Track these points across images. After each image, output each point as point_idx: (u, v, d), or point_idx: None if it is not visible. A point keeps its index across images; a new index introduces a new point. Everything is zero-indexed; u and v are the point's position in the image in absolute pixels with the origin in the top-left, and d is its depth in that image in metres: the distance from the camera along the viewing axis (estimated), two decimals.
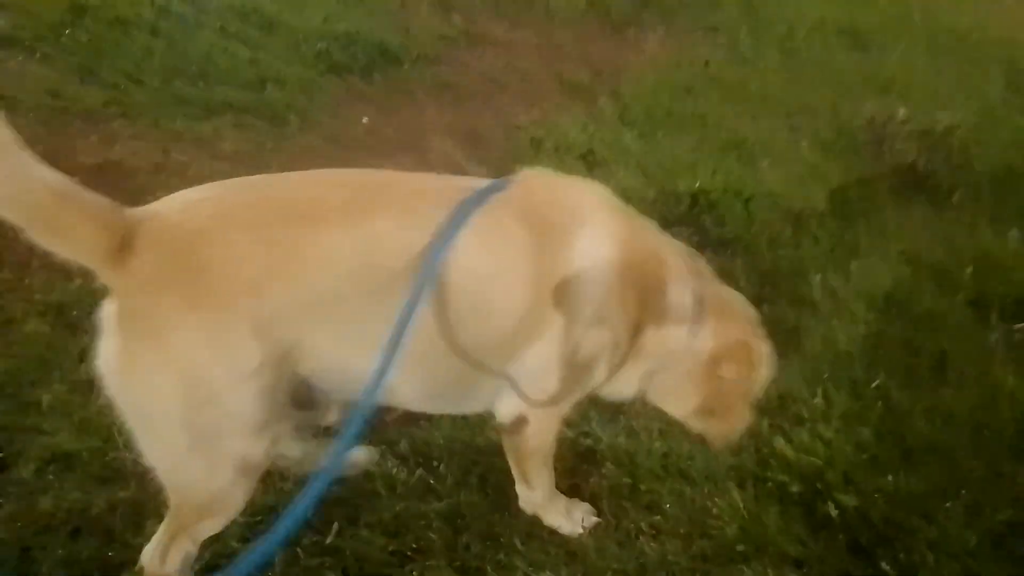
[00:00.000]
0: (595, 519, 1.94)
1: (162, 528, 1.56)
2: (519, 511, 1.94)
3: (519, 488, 1.90)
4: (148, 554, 1.58)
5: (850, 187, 3.58)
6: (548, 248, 1.53)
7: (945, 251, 3.17)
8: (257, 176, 1.52)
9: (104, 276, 1.34)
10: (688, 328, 1.70)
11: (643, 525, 1.95)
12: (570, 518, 1.92)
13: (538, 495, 1.88)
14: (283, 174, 1.55)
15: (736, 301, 1.84)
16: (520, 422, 1.71)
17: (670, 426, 2.14)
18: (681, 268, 1.71)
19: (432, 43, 4.99)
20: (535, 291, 1.52)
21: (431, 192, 1.54)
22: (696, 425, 1.90)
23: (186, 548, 1.56)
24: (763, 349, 1.79)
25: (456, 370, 1.55)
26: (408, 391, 1.59)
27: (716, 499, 2.00)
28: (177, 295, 1.32)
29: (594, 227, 1.59)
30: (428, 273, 1.37)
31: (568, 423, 2.13)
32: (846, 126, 4.12)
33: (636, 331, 1.66)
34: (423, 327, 1.40)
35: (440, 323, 1.45)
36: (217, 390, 1.37)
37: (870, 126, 3.95)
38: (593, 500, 2.01)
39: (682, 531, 1.93)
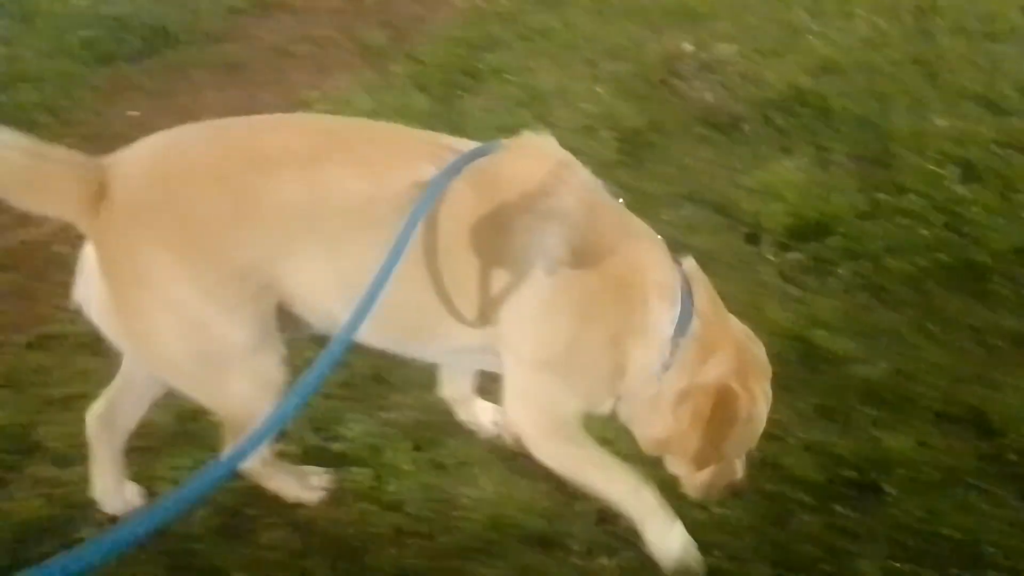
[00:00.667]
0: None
1: (226, 439, 1.63)
2: None
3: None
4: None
5: (642, 131, 3.53)
6: (503, 227, 1.44)
7: (728, 186, 3.17)
8: (222, 121, 1.54)
9: (82, 225, 1.39)
10: (664, 351, 1.52)
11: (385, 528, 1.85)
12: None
13: (618, 489, 1.62)
14: (246, 119, 1.60)
15: (739, 334, 1.62)
16: (517, 432, 1.69)
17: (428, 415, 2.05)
18: (670, 285, 1.53)
19: (217, 18, 4.63)
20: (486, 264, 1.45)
21: (390, 144, 1.55)
22: (669, 465, 1.68)
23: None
24: (752, 399, 1.54)
25: (417, 315, 1.54)
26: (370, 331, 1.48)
27: (464, 488, 1.91)
28: (156, 240, 1.37)
29: (561, 218, 1.46)
30: (415, 217, 1.32)
31: (318, 426, 2.01)
32: (642, 67, 4.06)
33: (613, 341, 1.51)
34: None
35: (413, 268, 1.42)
36: (209, 324, 1.44)
37: (662, 64, 3.90)
38: (339, 504, 1.89)
39: (424, 530, 1.84)
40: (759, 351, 1.63)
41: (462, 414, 2.01)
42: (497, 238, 1.44)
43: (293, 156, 1.43)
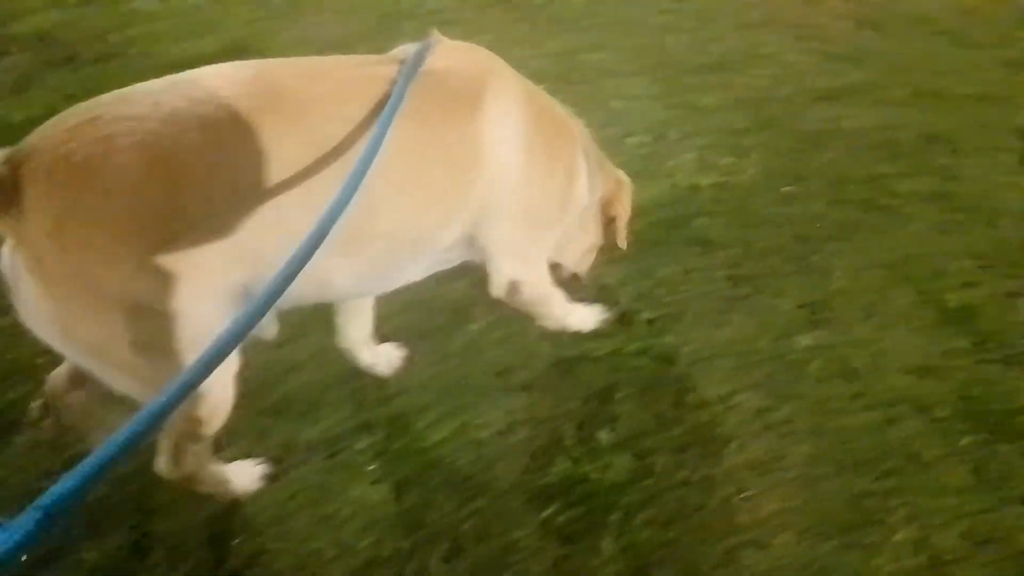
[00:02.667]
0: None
1: (164, 441, 1.57)
2: None
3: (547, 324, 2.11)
4: (162, 465, 1.60)
5: None
6: (458, 128, 1.55)
7: None
8: (132, 88, 1.33)
9: (8, 225, 1.22)
10: (590, 183, 1.91)
11: None
12: (590, 312, 2.25)
13: (559, 315, 2.08)
14: (161, 80, 1.36)
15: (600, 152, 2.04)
16: (513, 287, 1.83)
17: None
18: (576, 130, 1.87)
19: None
20: (451, 163, 1.56)
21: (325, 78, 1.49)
22: (579, 266, 2.18)
23: (194, 449, 1.59)
24: (627, 181, 2.07)
25: (387, 250, 1.56)
26: (341, 278, 1.56)
27: None
28: (87, 233, 1.21)
29: (498, 98, 1.61)
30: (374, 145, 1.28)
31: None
32: None
33: (566, 180, 1.81)
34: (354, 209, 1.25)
35: (373, 203, 1.40)
36: (159, 314, 1.29)
37: None
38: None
39: None
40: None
41: (365, 358, 2.13)
42: (461, 128, 1.56)
43: (227, 114, 1.31)
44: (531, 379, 2.16)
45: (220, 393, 1.47)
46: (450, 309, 2.34)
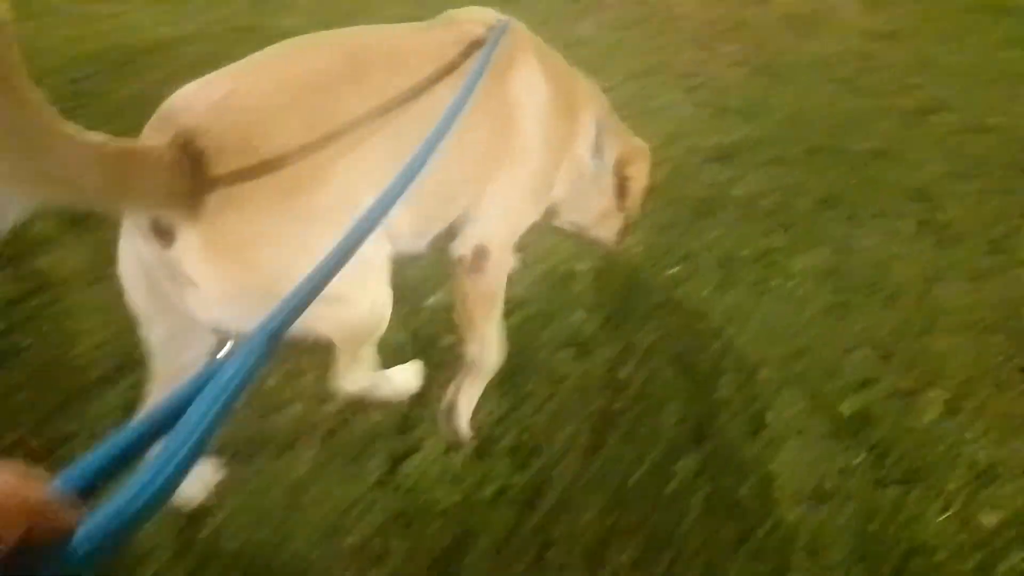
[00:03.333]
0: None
1: (339, 360, 1.60)
2: None
3: (469, 347, 1.94)
4: (340, 383, 1.64)
5: None
6: (495, 85, 1.63)
7: None
8: (256, 56, 1.40)
9: (180, 211, 1.21)
10: (594, 147, 1.95)
11: None
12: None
13: (486, 351, 1.94)
14: (273, 48, 1.44)
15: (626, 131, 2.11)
16: (481, 254, 1.78)
17: None
18: (590, 94, 1.96)
19: None
20: (493, 126, 1.66)
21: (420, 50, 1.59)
22: (596, 231, 2.17)
23: (365, 360, 1.66)
24: (645, 147, 2.09)
25: (440, 204, 1.66)
26: (405, 224, 1.59)
27: None
28: (269, 200, 1.26)
29: (528, 65, 1.74)
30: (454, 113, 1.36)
31: None
32: None
33: (565, 153, 1.89)
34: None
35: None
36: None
37: None
38: None
39: None
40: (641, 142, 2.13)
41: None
42: (496, 91, 1.66)
43: (341, 74, 1.41)
44: (361, 542, 1.80)
45: (376, 291, 1.49)
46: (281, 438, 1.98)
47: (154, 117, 1.26)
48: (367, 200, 1.18)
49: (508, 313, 1.92)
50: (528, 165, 1.76)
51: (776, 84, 4.11)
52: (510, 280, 1.90)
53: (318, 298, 0.98)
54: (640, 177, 2.06)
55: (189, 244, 1.23)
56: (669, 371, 2.31)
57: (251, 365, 0.70)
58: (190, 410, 0.63)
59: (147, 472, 0.56)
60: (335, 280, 0.96)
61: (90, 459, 0.56)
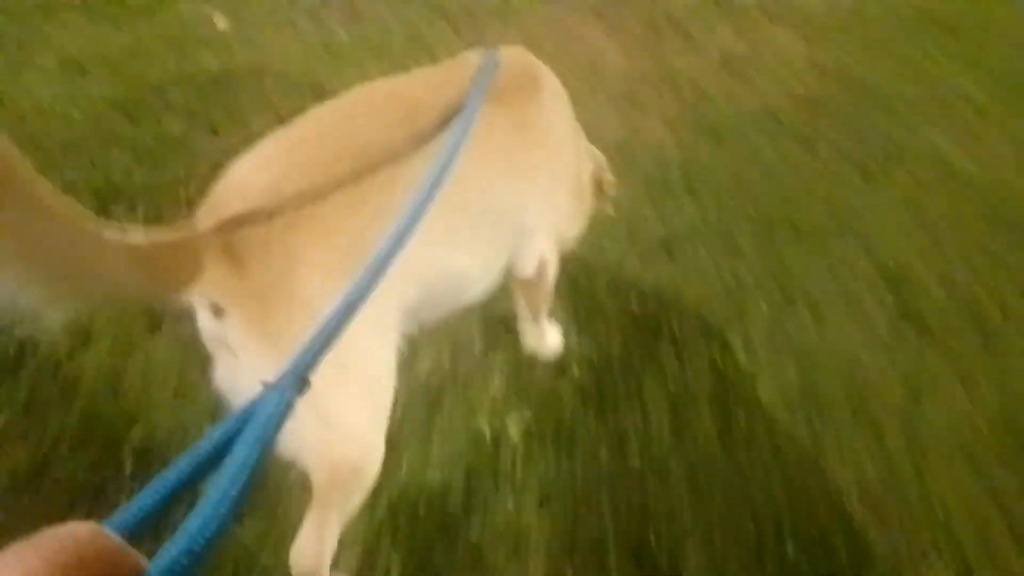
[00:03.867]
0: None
1: (310, 520, 1.43)
2: None
3: (527, 328, 2.27)
4: (302, 554, 1.43)
5: None
6: (534, 114, 1.76)
7: None
8: (293, 130, 1.43)
9: (217, 296, 1.24)
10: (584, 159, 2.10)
11: None
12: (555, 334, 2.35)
13: (543, 325, 2.25)
14: (314, 118, 1.47)
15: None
16: (543, 265, 1.94)
17: None
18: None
19: None
20: (536, 149, 1.76)
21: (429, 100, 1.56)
22: (573, 232, 2.15)
23: (335, 537, 1.46)
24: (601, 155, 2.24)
25: (496, 227, 1.71)
26: (471, 266, 1.67)
27: None
28: (308, 285, 1.25)
29: (549, 88, 1.87)
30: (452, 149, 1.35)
31: None
32: None
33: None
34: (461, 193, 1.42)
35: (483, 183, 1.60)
36: (370, 359, 1.38)
37: None
38: None
39: None
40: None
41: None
42: (529, 112, 1.75)
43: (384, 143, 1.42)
44: None
45: (381, 442, 1.45)
46: None
47: (208, 198, 1.30)
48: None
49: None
50: (568, 169, 1.91)
51: (719, 146, 3.67)
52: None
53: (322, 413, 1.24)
54: (612, 181, 2.24)
55: (234, 323, 1.25)
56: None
57: (287, 400, 0.76)
58: (236, 448, 0.66)
59: (205, 509, 0.58)
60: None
61: (139, 502, 0.59)
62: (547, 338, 2.30)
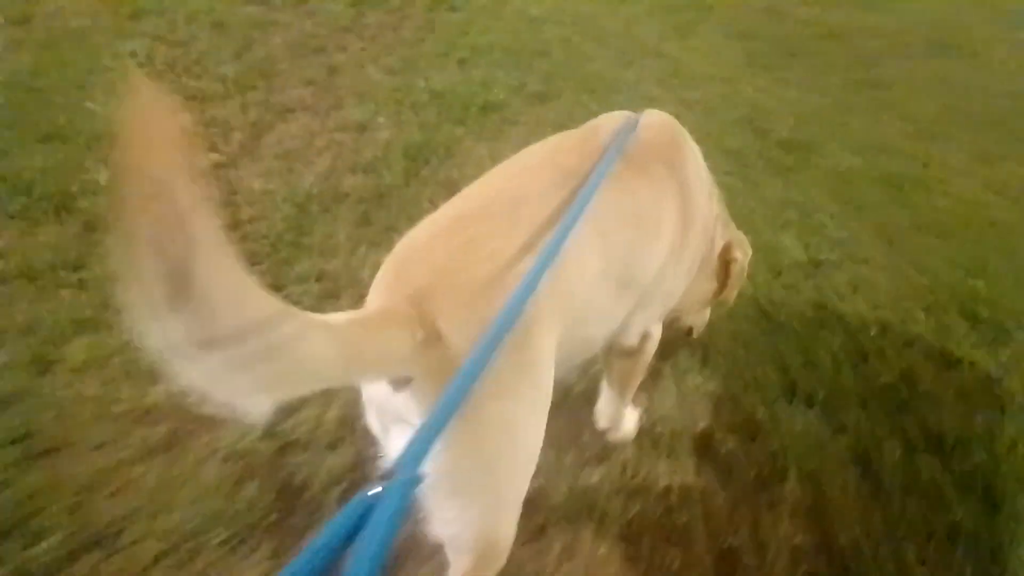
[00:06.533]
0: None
1: None
2: None
3: (608, 408, 2.14)
4: None
5: None
6: (672, 183, 1.68)
7: None
8: (483, 191, 1.46)
9: (417, 368, 1.16)
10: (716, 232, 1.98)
11: None
12: (633, 419, 2.24)
13: (625, 406, 2.14)
14: (478, 188, 1.48)
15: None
16: (646, 338, 1.88)
17: None
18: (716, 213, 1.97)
19: None
20: (671, 217, 1.67)
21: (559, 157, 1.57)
22: (690, 317, 2.23)
23: None
24: (746, 240, 2.12)
25: (630, 295, 1.64)
26: (608, 326, 1.66)
27: None
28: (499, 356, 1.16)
29: (692, 157, 1.79)
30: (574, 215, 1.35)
31: None
32: None
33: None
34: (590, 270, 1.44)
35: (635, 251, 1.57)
36: (546, 399, 1.32)
37: None
38: None
39: None
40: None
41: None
42: (671, 182, 1.69)
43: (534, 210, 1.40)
44: None
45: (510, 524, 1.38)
46: None
47: (384, 272, 1.29)
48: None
49: None
50: (691, 247, 1.82)
51: None
52: None
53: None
54: (744, 262, 2.10)
55: (419, 397, 1.19)
56: None
57: (407, 493, 0.76)
58: (364, 542, 0.69)
59: None
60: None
61: None
62: (625, 421, 2.19)
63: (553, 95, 4.37)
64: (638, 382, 2.04)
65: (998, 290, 3.12)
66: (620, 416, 2.15)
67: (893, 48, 6.09)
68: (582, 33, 5.46)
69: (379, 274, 1.29)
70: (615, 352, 1.91)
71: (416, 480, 0.80)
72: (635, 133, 1.66)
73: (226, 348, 0.80)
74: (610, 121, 1.72)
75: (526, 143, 1.61)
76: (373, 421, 1.33)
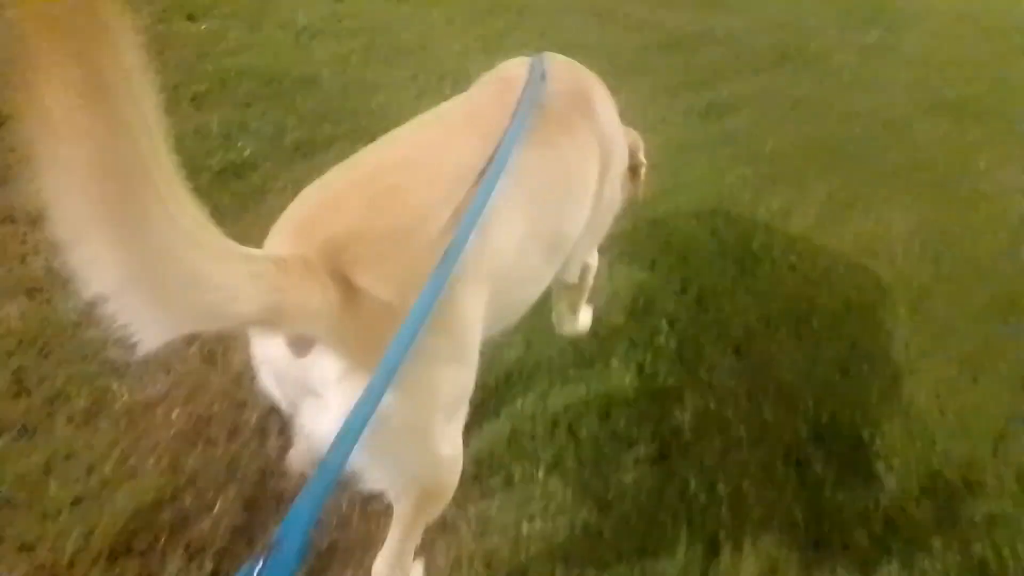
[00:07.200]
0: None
1: (394, 537, 1.47)
2: None
3: (566, 318, 2.37)
4: (388, 566, 1.49)
5: None
6: (593, 135, 1.72)
7: None
8: (355, 163, 1.34)
9: (334, 326, 1.09)
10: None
11: None
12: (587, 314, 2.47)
13: (581, 314, 2.41)
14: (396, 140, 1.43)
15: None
16: (587, 269, 2.15)
17: None
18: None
19: None
20: (595, 169, 1.73)
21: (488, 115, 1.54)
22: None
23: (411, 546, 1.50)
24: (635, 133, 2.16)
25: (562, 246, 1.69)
26: (547, 277, 1.72)
27: None
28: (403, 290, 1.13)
29: (603, 98, 1.86)
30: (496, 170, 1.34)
31: None
32: None
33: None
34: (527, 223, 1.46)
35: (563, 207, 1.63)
36: (472, 356, 1.33)
37: None
38: None
39: None
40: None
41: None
42: (587, 128, 1.71)
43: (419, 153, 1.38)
44: None
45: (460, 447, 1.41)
46: None
47: (286, 218, 1.21)
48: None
49: None
50: (614, 182, 1.88)
51: None
52: None
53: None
54: (646, 161, 2.16)
55: (326, 361, 1.13)
56: None
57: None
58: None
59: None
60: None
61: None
62: (580, 319, 2.41)
63: (320, 145, 3.38)
64: (585, 297, 2.31)
65: None
66: (577, 319, 2.38)
67: (740, 59, 5.47)
68: (364, 50, 4.40)
69: (280, 221, 1.22)
70: (560, 286, 2.13)
71: (302, 553, 0.78)
72: (545, 84, 1.65)
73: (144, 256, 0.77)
74: (518, 70, 1.70)
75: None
76: (272, 387, 1.25)
